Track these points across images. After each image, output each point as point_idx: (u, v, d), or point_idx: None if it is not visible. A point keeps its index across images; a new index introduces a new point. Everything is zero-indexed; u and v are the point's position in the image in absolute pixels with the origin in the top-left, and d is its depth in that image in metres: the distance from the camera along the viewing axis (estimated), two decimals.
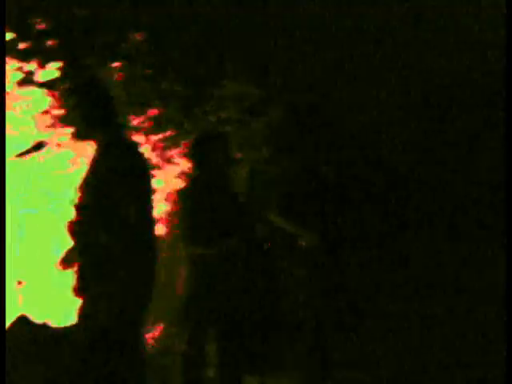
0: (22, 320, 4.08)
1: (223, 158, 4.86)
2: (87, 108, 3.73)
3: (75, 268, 3.76)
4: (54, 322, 4.54)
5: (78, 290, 3.78)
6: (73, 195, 3.69)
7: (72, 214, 3.78)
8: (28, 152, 3.85)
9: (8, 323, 4.01)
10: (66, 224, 3.77)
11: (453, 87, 6.57)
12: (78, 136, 3.80)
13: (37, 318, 4.32)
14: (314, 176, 5.45)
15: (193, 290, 4.79)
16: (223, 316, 4.84)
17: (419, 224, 6.45)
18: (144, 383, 3.90)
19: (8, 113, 5.55)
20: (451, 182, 6.46)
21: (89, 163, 3.80)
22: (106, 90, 3.89)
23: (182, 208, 4.79)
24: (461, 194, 6.41)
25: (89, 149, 3.86)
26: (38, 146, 3.89)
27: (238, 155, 5.95)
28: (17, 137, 5.58)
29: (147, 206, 3.86)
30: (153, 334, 6.16)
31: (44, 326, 4.21)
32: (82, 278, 3.77)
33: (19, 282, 3.80)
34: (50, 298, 4.91)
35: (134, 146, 3.96)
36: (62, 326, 4.42)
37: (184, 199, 4.80)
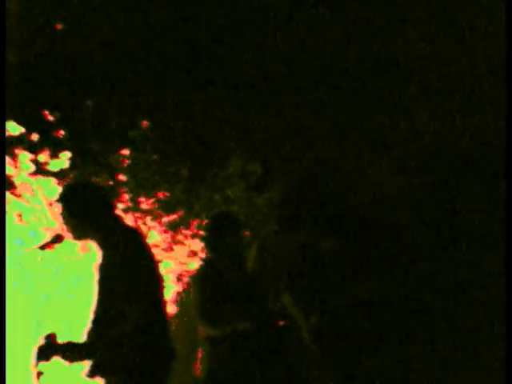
0: None
1: (234, 238, 4.91)
2: (77, 212, 3.79)
3: (88, 353, 3.76)
4: None
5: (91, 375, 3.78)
6: (83, 281, 3.66)
7: (83, 299, 3.82)
8: (47, 244, 3.88)
9: None
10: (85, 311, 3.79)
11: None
12: (75, 237, 3.89)
13: None
14: (314, 250, 5.50)
15: (210, 371, 4.77)
16: None
17: (430, 294, 6.49)
18: None
19: (19, 203, 5.62)
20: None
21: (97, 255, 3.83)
22: (100, 190, 3.99)
23: (195, 289, 4.81)
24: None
25: None
26: (57, 239, 3.92)
27: (246, 233, 6.00)
28: (26, 226, 5.63)
29: (156, 290, 3.87)
30: None
31: None
32: (95, 362, 3.77)
33: (39, 373, 3.76)
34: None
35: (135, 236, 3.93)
36: None
37: (197, 281, 4.83)
